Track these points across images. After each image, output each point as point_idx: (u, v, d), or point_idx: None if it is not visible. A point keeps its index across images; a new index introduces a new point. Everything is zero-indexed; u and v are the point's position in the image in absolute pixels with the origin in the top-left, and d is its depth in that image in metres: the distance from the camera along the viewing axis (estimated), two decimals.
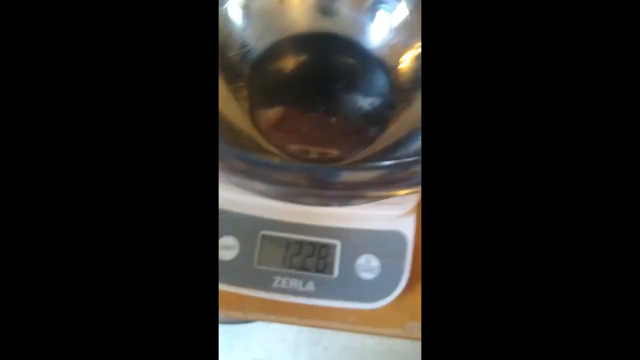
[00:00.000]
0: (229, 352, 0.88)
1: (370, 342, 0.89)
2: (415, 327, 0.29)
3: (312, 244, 0.29)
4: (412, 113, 0.29)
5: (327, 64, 0.32)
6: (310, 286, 0.28)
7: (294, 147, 0.30)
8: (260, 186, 0.22)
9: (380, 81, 0.31)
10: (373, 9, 0.31)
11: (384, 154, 0.28)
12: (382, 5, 0.31)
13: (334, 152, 0.30)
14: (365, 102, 0.30)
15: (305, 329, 0.90)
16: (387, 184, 0.22)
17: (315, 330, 0.90)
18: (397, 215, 0.28)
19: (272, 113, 0.31)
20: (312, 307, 0.29)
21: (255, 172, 0.21)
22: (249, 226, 0.29)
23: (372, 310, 0.28)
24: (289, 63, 0.32)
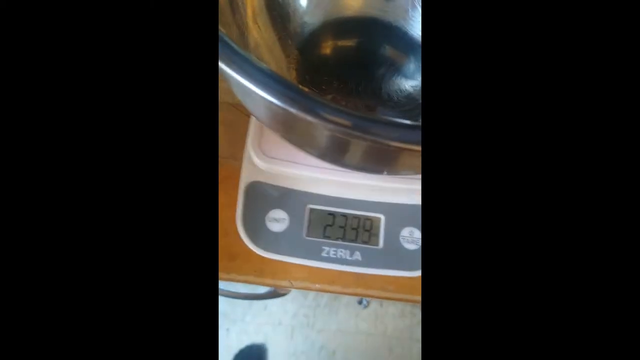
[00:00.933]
0: (225, 336, 0.89)
1: (363, 325, 0.91)
2: None
3: (356, 217, 0.30)
4: None
5: (372, 48, 0.33)
6: (357, 256, 0.30)
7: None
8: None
9: (415, 67, 0.33)
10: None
11: None
12: None
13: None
14: (408, 85, 0.32)
15: (300, 314, 0.92)
16: None
17: (310, 315, 0.92)
18: None
19: (319, 90, 0.32)
20: (355, 276, 0.31)
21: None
22: (297, 200, 0.30)
23: (411, 279, 0.30)
24: (335, 45, 0.33)
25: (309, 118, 0.16)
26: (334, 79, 0.32)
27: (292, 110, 0.15)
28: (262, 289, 0.55)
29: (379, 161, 0.26)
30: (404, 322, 0.92)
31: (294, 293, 0.92)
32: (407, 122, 0.16)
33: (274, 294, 0.49)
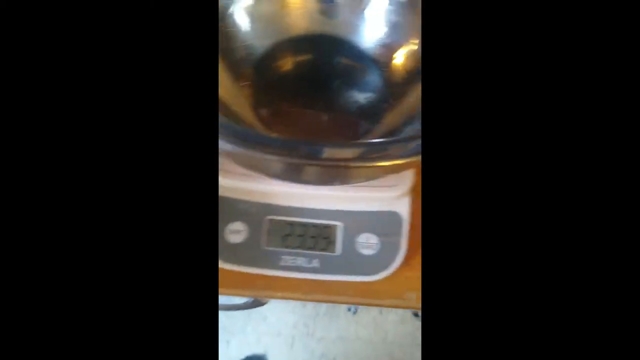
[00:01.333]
0: (225, 348, 0.90)
1: (363, 332, 0.91)
2: (414, 297, 0.32)
3: (315, 225, 0.31)
4: (405, 106, 0.32)
5: (324, 63, 0.34)
6: (315, 263, 0.30)
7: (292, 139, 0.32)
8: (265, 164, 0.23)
9: (374, 78, 0.34)
10: (368, 11, 0.33)
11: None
12: (376, 7, 0.33)
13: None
14: (361, 97, 0.33)
15: (300, 323, 0.92)
16: (385, 155, 0.24)
17: (310, 324, 0.93)
18: (393, 197, 0.31)
19: (274, 109, 0.33)
20: (316, 283, 0.32)
21: (260, 149, 0.22)
22: (255, 212, 0.31)
23: (372, 283, 0.31)
24: (289, 63, 0.34)
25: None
26: (290, 96, 0.33)
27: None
28: (239, 300, 0.56)
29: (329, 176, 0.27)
30: (404, 328, 0.92)
31: (293, 302, 0.92)
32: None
33: (254, 304, 0.50)
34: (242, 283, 0.32)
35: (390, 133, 0.31)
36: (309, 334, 0.92)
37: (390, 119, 0.32)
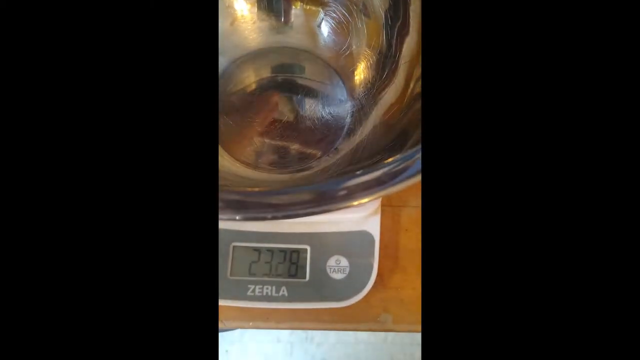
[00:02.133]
0: (225, 358, 0.89)
1: (362, 335, 0.90)
2: (389, 319, 0.31)
3: (282, 250, 0.30)
4: (370, 121, 0.31)
5: (288, 76, 0.33)
6: (283, 291, 0.29)
7: (261, 160, 0.31)
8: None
9: (337, 90, 0.33)
10: (325, 22, 0.32)
11: (347, 162, 0.30)
12: (333, 18, 0.32)
13: (300, 162, 0.31)
14: (325, 112, 0.32)
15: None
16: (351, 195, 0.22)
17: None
18: (362, 216, 0.30)
19: (236, 128, 0.32)
20: (288, 310, 0.30)
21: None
22: (220, 238, 0.30)
23: (345, 307, 0.30)
24: (248, 79, 0.33)
25: None
26: (254, 114, 0.32)
27: None
28: None
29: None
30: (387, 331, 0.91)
31: None
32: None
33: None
34: None
35: (360, 147, 0.30)
36: (307, 339, 0.91)
37: (359, 131, 0.31)
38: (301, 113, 0.32)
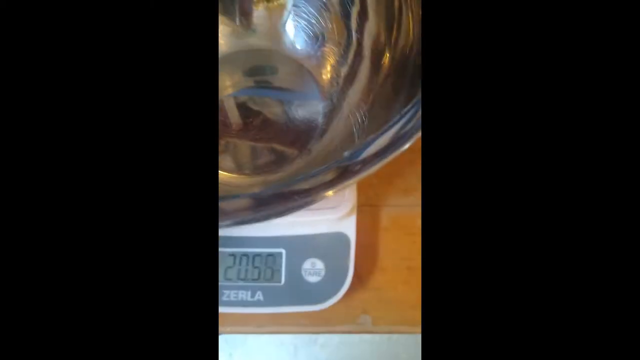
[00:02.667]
0: None
1: (366, 335, 0.90)
2: (368, 320, 0.30)
3: (257, 254, 0.30)
4: (341, 119, 0.30)
5: (256, 78, 0.33)
6: (259, 296, 0.29)
7: (234, 163, 0.31)
8: None
9: (309, 90, 0.32)
10: (290, 22, 0.32)
11: (319, 163, 0.29)
12: (301, 17, 0.32)
13: (273, 164, 0.31)
14: (298, 113, 0.31)
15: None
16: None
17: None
18: (337, 217, 0.29)
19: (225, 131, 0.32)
20: (267, 314, 0.30)
21: None
22: None
23: (324, 310, 0.29)
24: (221, 84, 0.33)
25: None
26: (227, 118, 0.32)
27: None
28: None
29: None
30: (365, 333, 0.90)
31: None
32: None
33: None
34: None
35: (331, 147, 0.30)
36: (311, 341, 0.91)
37: (330, 136, 0.31)
38: (274, 115, 0.32)
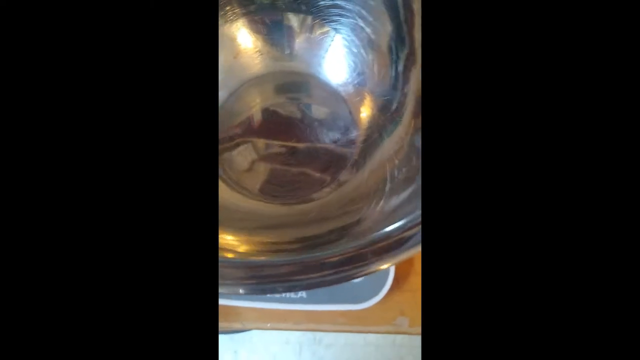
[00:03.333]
0: (233, 358, 0.89)
1: (371, 337, 0.90)
2: (405, 322, 0.31)
3: None
4: (377, 157, 0.30)
5: (289, 96, 0.33)
6: (302, 293, 0.29)
7: (263, 188, 0.31)
8: None
9: (343, 118, 0.32)
10: (331, 51, 0.32)
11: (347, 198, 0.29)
12: (345, 48, 0.32)
13: (302, 191, 0.31)
14: (329, 138, 0.31)
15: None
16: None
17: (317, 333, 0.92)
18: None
19: (239, 156, 0.31)
20: (305, 312, 0.31)
21: None
22: None
23: (362, 310, 0.30)
24: (252, 103, 0.33)
25: None
26: (256, 139, 0.32)
27: None
28: None
29: None
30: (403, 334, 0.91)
31: None
32: None
33: None
34: (227, 316, 0.31)
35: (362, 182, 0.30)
36: (316, 340, 0.91)
37: (364, 165, 0.30)
38: (303, 136, 0.32)
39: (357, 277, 0.20)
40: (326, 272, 0.20)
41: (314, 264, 0.20)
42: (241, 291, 0.20)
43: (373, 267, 0.20)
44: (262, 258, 0.23)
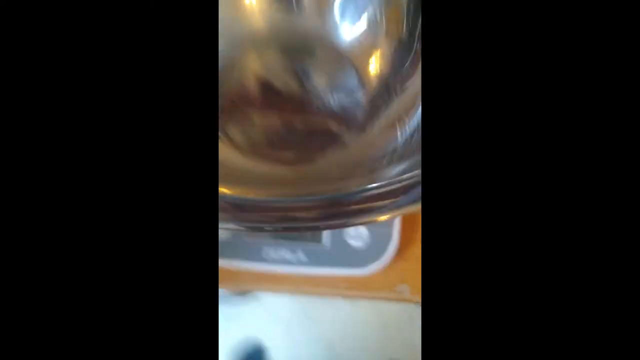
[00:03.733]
0: (223, 334, 0.89)
1: (360, 312, 0.91)
2: (406, 289, 0.30)
3: None
4: (383, 120, 0.29)
5: (291, 61, 0.31)
6: (300, 255, 0.28)
7: (266, 151, 0.29)
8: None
9: (349, 79, 0.30)
10: (340, 7, 0.30)
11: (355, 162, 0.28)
12: (350, 4, 0.30)
13: (306, 154, 0.29)
14: (334, 99, 0.30)
15: (296, 306, 0.92)
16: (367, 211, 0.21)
17: (307, 306, 0.92)
18: None
19: (241, 117, 0.29)
20: (304, 277, 0.30)
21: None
22: None
23: (363, 276, 0.29)
24: (254, 64, 0.31)
25: None
26: (254, 100, 0.30)
27: None
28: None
29: None
30: (403, 309, 0.91)
31: None
32: None
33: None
34: (226, 277, 0.30)
35: (370, 145, 0.29)
36: (306, 316, 0.91)
37: (372, 135, 0.29)
38: (306, 97, 0.30)
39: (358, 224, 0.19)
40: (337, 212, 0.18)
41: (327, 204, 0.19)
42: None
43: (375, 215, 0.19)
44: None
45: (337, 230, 0.29)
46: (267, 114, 0.30)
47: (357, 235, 0.29)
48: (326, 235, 0.29)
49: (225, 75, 0.29)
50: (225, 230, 0.28)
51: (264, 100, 0.30)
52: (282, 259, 0.28)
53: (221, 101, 0.29)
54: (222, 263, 0.28)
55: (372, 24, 0.30)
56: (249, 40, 0.31)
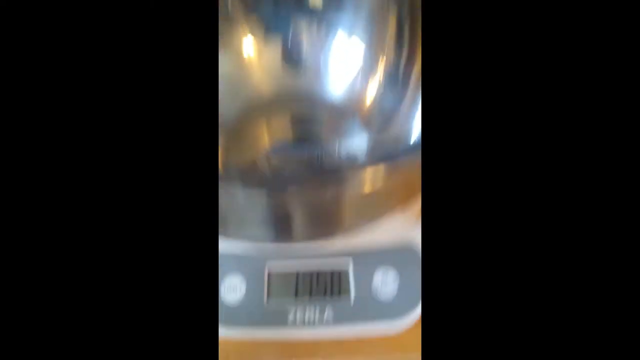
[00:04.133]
0: None
1: None
2: None
3: (322, 269, 0.27)
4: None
5: (300, 122, 0.33)
6: (328, 313, 0.26)
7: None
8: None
9: (351, 125, 0.32)
10: (335, 58, 0.32)
11: None
12: (342, 52, 0.32)
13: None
14: (344, 149, 0.31)
15: None
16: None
17: None
18: (405, 225, 0.28)
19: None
20: (334, 342, 0.26)
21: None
22: (253, 262, 0.27)
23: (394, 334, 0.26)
24: (263, 127, 0.32)
25: None
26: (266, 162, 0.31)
27: None
28: None
29: None
30: None
31: None
32: None
33: None
34: (245, 352, 0.27)
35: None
36: None
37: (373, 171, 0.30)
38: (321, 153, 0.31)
39: None
40: None
41: None
42: None
43: None
44: None
45: (364, 283, 0.26)
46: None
47: (385, 283, 0.26)
48: (353, 288, 0.26)
49: (235, 135, 0.30)
50: (240, 297, 0.26)
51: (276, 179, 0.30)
52: (310, 320, 0.25)
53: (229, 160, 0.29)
54: (242, 334, 0.25)
55: (364, 72, 0.31)
56: (257, 105, 0.32)
